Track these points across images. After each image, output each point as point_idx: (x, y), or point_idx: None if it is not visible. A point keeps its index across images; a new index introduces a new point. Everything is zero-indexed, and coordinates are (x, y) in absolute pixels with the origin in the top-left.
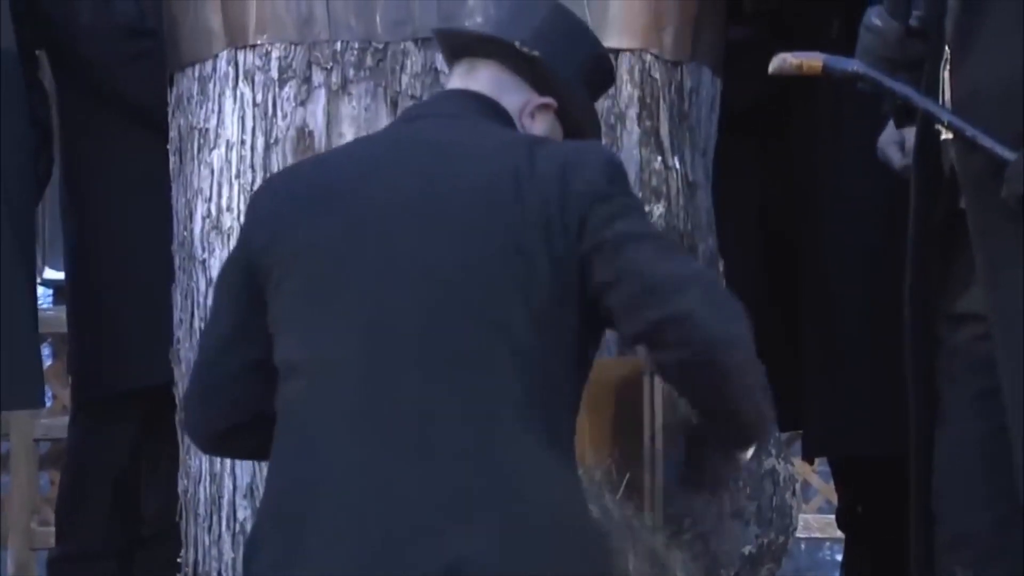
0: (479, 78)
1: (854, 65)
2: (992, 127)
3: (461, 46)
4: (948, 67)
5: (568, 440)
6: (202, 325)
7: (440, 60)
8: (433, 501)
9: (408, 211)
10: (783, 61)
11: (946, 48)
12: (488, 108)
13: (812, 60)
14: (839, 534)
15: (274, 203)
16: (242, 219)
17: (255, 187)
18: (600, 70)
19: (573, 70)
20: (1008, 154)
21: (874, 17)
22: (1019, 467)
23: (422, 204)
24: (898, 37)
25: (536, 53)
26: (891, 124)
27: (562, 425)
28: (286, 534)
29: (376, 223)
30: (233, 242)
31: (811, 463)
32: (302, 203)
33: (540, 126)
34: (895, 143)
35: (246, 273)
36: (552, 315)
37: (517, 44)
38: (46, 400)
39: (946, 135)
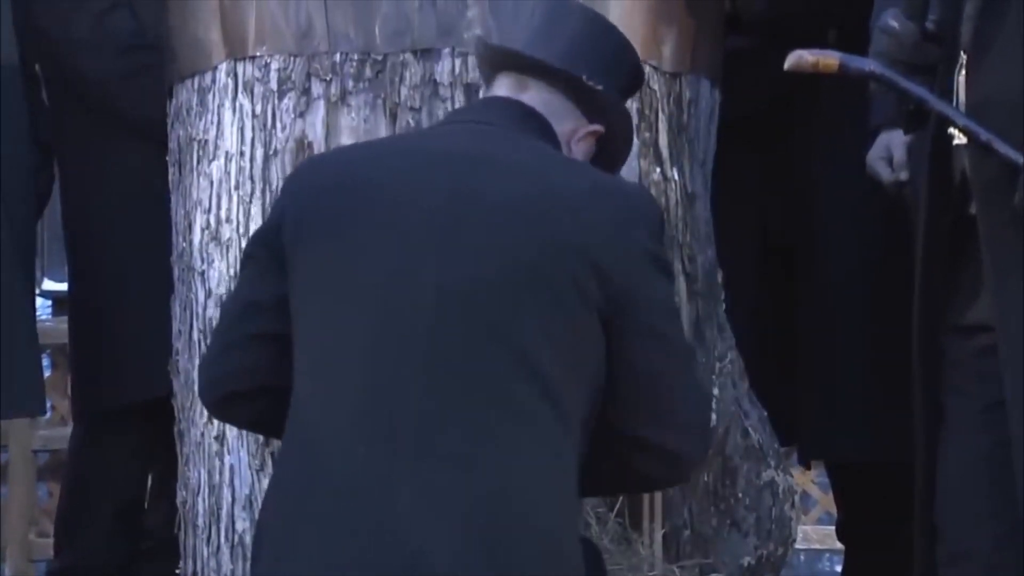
0: (531, 96)
1: (870, 65)
2: (1006, 133)
3: (504, 59)
4: (963, 72)
5: (572, 462)
6: (201, 337)
7: (440, 71)
8: (425, 509)
9: (437, 220)
10: (799, 58)
11: (961, 53)
12: (542, 127)
13: (828, 58)
14: (838, 545)
15: (311, 191)
16: (241, 230)
17: (254, 198)
18: (637, 81)
19: (618, 87)
20: (1022, 160)
21: (890, 19)
22: (1020, 481)
23: (451, 214)
24: (914, 41)
25: (600, 88)
26: (879, 139)
27: (568, 447)
28: (284, 533)
29: (403, 229)
30: (232, 254)
31: (808, 468)
32: (333, 199)
33: (583, 149)
34: (883, 158)
35: (271, 250)
36: (571, 343)
37: (584, 78)
38: (46, 411)
39: (958, 140)
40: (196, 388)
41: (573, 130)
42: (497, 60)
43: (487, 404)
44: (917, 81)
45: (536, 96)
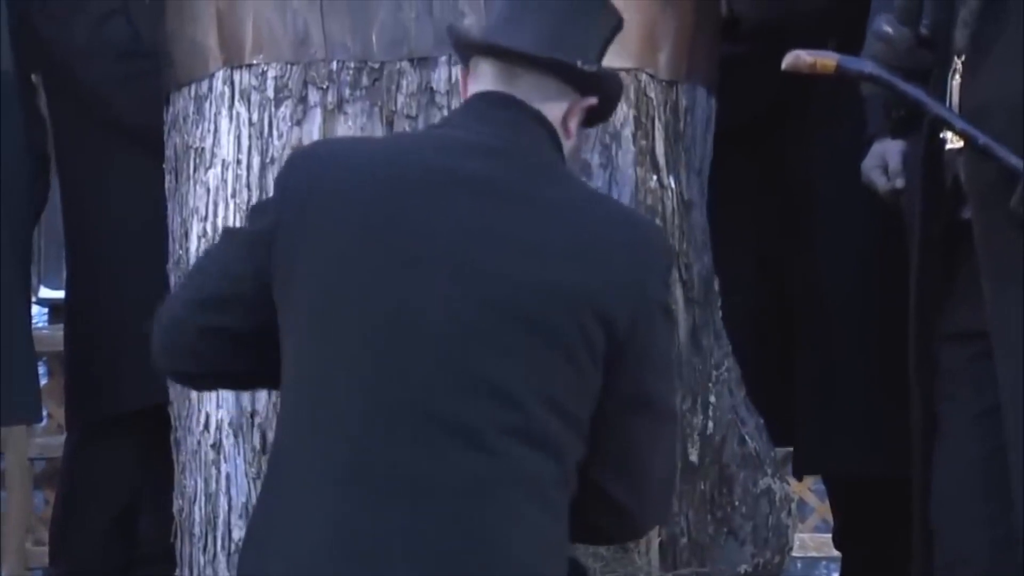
0: (520, 84)
1: (868, 67)
2: (1005, 138)
3: (489, 48)
4: (957, 76)
5: (565, 513)
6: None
7: (436, 79)
8: (416, 562)
9: (437, 257)
10: (796, 58)
11: (955, 58)
12: (541, 131)
13: (826, 59)
14: (835, 553)
15: (307, 198)
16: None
17: (251, 206)
18: (619, 25)
19: (603, 46)
20: (1022, 164)
21: (884, 24)
22: (1016, 487)
23: (453, 252)
24: (908, 46)
25: (595, 69)
26: (874, 148)
27: (564, 498)
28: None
29: (402, 264)
30: None
31: (799, 480)
32: (333, 220)
33: (576, 122)
34: (878, 167)
35: (258, 252)
36: (573, 391)
37: (579, 63)
38: (42, 418)
39: (952, 144)
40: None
41: (568, 109)
42: (481, 47)
43: (483, 457)
44: (913, 85)
45: (528, 85)
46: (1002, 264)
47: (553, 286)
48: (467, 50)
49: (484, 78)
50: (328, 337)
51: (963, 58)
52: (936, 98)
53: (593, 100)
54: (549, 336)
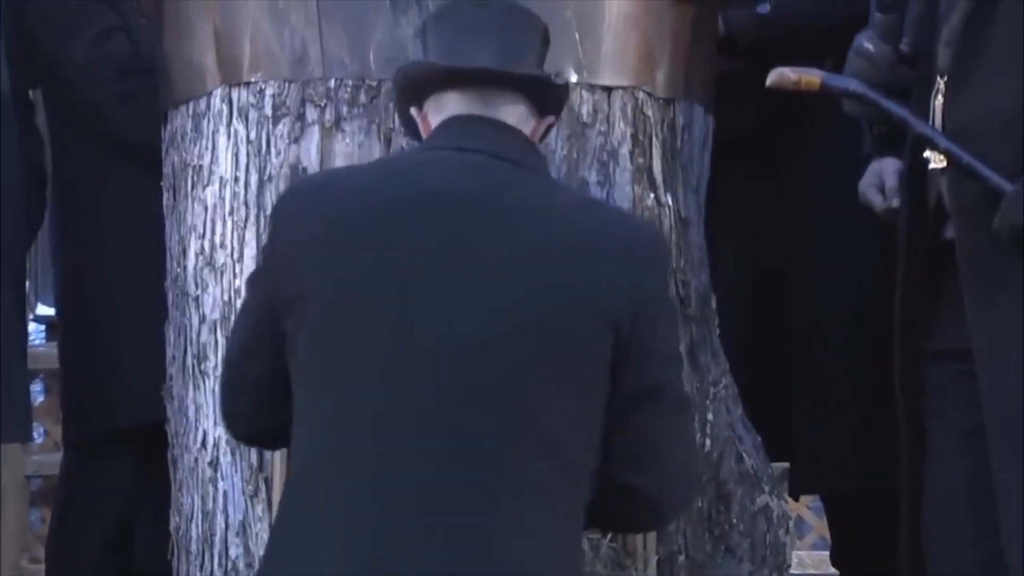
0: (492, 105)
1: (852, 84)
2: (990, 158)
3: (457, 76)
4: (940, 96)
5: (580, 524)
6: (195, 362)
7: None
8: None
9: (438, 275)
10: (781, 75)
11: (937, 77)
12: (518, 139)
13: (810, 76)
14: (833, 571)
15: (304, 231)
16: (235, 255)
17: (248, 224)
18: (548, 38)
19: (544, 55)
20: (1005, 184)
21: (865, 42)
22: (1001, 504)
23: (454, 269)
24: (889, 63)
25: (564, 82)
26: (871, 167)
27: (578, 508)
28: None
29: (404, 284)
30: (226, 279)
31: (796, 499)
32: (331, 245)
33: (540, 138)
34: (875, 186)
35: (268, 294)
36: (582, 400)
37: (553, 77)
38: (38, 436)
39: (935, 164)
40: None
41: (535, 127)
42: (445, 78)
43: (494, 474)
44: (897, 103)
45: (500, 106)
46: (985, 283)
47: (556, 294)
48: (429, 85)
49: (452, 106)
50: (338, 356)
51: (945, 78)
52: (920, 117)
53: (552, 118)
54: (556, 343)
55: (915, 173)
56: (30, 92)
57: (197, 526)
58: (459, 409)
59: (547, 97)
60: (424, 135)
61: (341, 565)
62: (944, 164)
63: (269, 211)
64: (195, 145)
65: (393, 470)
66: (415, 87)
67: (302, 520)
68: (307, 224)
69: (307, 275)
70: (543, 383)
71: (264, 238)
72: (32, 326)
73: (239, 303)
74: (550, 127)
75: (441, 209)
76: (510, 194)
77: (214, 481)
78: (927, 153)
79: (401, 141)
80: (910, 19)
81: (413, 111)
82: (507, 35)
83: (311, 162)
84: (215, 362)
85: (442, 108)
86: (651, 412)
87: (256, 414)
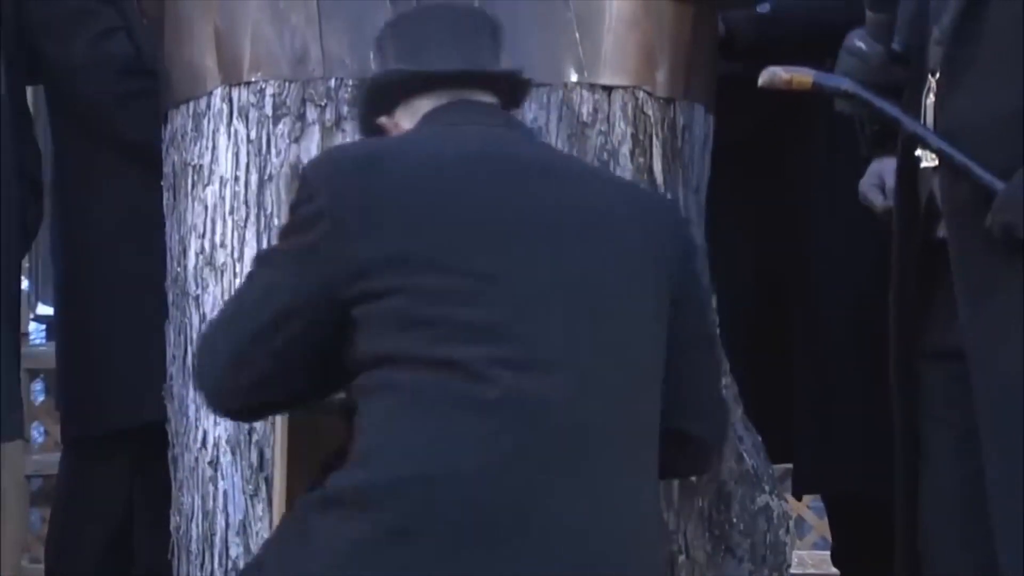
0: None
1: (845, 83)
2: (982, 157)
3: (437, 79)
4: (932, 95)
5: (655, 472)
6: (196, 361)
7: None
8: (598, 517)
9: (532, 229)
10: (773, 75)
11: (929, 76)
12: (519, 121)
13: (802, 75)
14: (834, 571)
15: (375, 197)
16: (236, 255)
17: (249, 223)
18: (502, 36)
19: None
20: (997, 183)
21: (857, 40)
22: (994, 506)
23: (541, 228)
24: (881, 62)
25: (530, 78)
26: (871, 167)
27: (653, 459)
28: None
29: (504, 236)
30: (227, 279)
31: (798, 499)
32: (420, 205)
33: None
34: (875, 186)
35: (323, 267)
36: (662, 350)
37: (522, 73)
38: (38, 436)
39: (926, 163)
40: (205, 391)
41: None
42: (420, 84)
43: (626, 424)
44: (890, 102)
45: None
46: (977, 282)
47: (633, 244)
48: (401, 92)
49: (427, 109)
50: (453, 305)
51: (937, 77)
52: (911, 116)
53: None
54: (639, 298)
55: (907, 172)
56: (30, 92)
57: (197, 526)
58: (592, 366)
59: (513, 93)
60: None
61: (486, 470)
62: (936, 163)
63: (269, 211)
64: (195, 145)
65: (516, 415)
66: (384, 96)
67: (422, 431)
68: (379, 189)
69: (399, 237)
70: (642, 326)
71: (284, 220)
72: (32, 326)
73: None
74: None
75: (508, 171)
76: (547, 157)
77: (214, 481)
78: (919, 152)
79: None
80: (902, 18)
81: (383, 120)
82: (466, 38)
83: None
84: None
85: (415, 113)
86: (699, 357)
87: (258, 386)
